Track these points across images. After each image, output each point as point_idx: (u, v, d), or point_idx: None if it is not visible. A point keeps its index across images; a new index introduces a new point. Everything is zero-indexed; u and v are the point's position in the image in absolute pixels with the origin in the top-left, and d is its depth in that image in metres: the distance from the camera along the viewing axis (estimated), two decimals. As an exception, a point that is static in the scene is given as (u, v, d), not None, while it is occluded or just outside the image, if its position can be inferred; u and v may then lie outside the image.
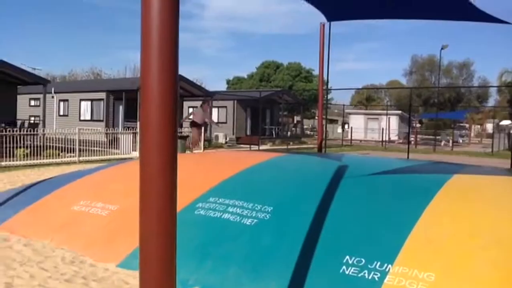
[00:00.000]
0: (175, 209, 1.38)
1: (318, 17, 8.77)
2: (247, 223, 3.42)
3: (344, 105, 34.85)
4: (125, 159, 11.08)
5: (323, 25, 9.16)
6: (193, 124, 12.32)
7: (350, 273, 2.71)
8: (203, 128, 13.20)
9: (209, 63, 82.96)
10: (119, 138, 13.40)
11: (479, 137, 49.68)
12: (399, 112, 39.05)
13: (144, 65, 1.37)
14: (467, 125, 52.89)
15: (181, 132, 13.99)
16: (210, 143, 18.42)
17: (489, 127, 45.36)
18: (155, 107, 1.34)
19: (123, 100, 17.82)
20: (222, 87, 53.64)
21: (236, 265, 3.00)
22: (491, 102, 59.77)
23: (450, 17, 8.53)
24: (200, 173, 4.77)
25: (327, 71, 9.72)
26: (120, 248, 3.37)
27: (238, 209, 3.61)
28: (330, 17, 8.91)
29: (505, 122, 46.06)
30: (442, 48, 28.62)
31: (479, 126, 53.27)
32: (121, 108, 18.65)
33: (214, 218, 3.56)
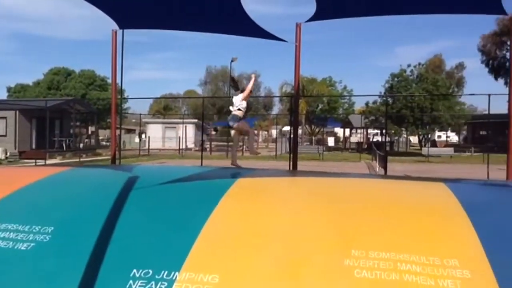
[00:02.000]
0: None
1: (111, 24, 8.49)
2: (22, 248, 3.05)
3: (141, 114, 34.46)
4: None
5: (115, 32, 8.90)
6: None
7: (137, 286, 2.65)
8: None
9: (-15, 68, 72.69)
10: None
11: (266, 142, 54.83)
12: (195, 120, 40.44)
13: None
14: (256, 132, 57.69)
15: None
16: (-15, 159, 16.09)
17: (274, 133, 50.58)
18: None
19: None
20: (2, 95, 47.52)
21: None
22: (275, 110, 66.72)
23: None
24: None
25: (121, 79, 9.44)
26: None
27: (11, 233, 3.20)
28: (122, 25, 8.71)
29: (286, 128, 51.81)
30: (232, 61, 30.70)
31: (266, 132, 58.83)
32: None
33: (-19, 247, 3.08)
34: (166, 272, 2.71)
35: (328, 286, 2.49)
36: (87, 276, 2.76)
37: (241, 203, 3.60)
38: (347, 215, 3.27)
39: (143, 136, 34.55)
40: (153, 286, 2.63)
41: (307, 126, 47.63)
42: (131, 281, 2.67)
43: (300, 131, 44.81)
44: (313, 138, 48.80)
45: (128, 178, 4.42)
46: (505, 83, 36.61)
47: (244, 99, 6.89)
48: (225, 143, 33.80)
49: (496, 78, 41.80)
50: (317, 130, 49.42)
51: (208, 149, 33.30)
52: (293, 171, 8.33)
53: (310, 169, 16.33)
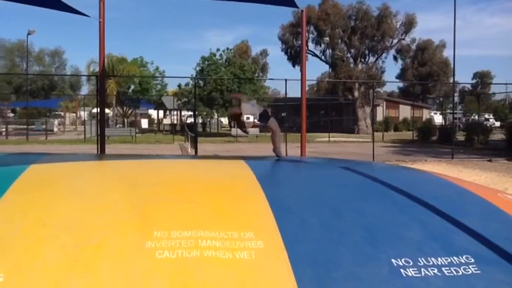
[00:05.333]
0: None
1: None
2: None
3: None
4: None
5: None
6: None
7: None
8: None
9: None
10: None
11: (74, 124, 51.16)
12: (-14, 100, 35.43)
13: None
14: (62, 113, 53.39)
15: None
16: None
17: (83, 114, 47.39)
18: None
19: None
20: None
21: None
22: (83, 90, 62.48)
23: None
24: None
25: None
26: None
27: None
28: None
29: (96, 110, 48.98)
30: (28, 34, 27.63)
31: (74, 114, 54.80)
32: None
33: None
34: None
35: (127, 269, 2.42)
36: None
37: (31, 193, 3.25)
38: (150, 198, 3.23)
39: None
40: None
41: (118, 107, 45.90)
42: None
43: (111, 113, 42.94)
44: (126, 120, 47.35)
45: None
46: (300, 70, 40.94)
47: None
48: (25, 126, 30.45)
49: (293, 66, 46.40)
50: (129, 111, 48.01)
51: (4, 133, 29.60)
52: (98, 154, 7.92)
53: (120, 152, 15.81)
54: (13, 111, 51.19)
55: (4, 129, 30.54)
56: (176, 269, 2.46)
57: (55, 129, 38.44)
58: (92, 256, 2.50)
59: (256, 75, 45.86)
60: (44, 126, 33.11)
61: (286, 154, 15.13)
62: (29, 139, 26.26)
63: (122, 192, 3.35)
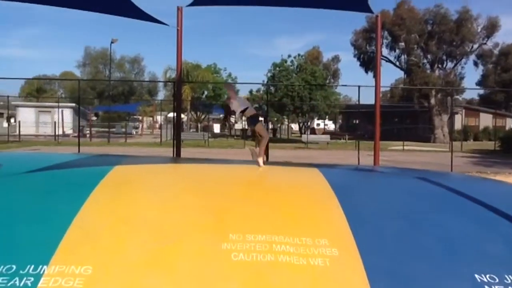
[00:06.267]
0: None
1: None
2: None
3: (8, 96, 31.29)
4: None
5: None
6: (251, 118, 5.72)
7: (-1, 284, 2.42)
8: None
9: None
10: None
11: (151, 128, 53.48)
12: (73, 104, 37.88)
13: None
14: (140, 117, 55.90)
15: None
16: None
17: (159, 119, 49.39)
18: None
19: None
20: None
21: None
22: (160, 95, 65.15)
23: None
24: None
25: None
26: None
27: None
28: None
29: (172, 115, 50.91)
30: (112, 42, 29.29)
31: (150, 118, 57.29)
32: None
33: None
34: (33, 267, 2.51)
35: (204, 270, 2.50)
36: None
37: (116, 191, 3.46)
38: (225, 200, 3.32)
39: (12, 120, 31.55)
40: (17, 282, 2.43)
41: (192, 112, 47.37)
42: (-9, 279, 2.43)
43: (185, 118, 44.42)
44: (199, 124, 48.76)
45: (-10, 166, 4.01)
46: (374, 76, 40.05)
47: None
48: (107, 129, 32.30)
49: (366, 72, 45.38)
50: (202, 116, 49.41)
51: (88, 135, 31.54)
52: (175, 158, 8.24)
53: (194, 156, 16.31)
54: (96, 114, 54.46)
55: (88, 132, 32.59)
56: (251, 271, 2.51)
57: (134, 132, 40.45)
58: (170, 253, 2.62)
59: (328, 81, 45.45)
60: (123, 129, 34.96)
61: (358, 163, 14.82)
62: (110, 141, 27.85)
63: (198, 193, 3.46)
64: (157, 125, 48.82)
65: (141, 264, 2.56)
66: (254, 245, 2.70)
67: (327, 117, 50.47)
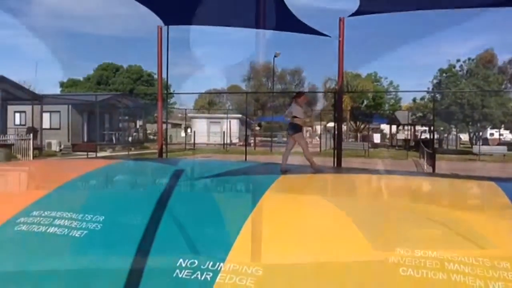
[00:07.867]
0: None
1: (156, 20, 8.70)
2: (77, 235, 3.20)
3: (186, 109, 34.99)
4: None
5: (161, 28, 9.10)
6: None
7: (184, 276, 2.72)
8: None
9: (39, 64, 76.00)
10: None
11: (310, 138, 54.43)
12: (239, 115, 40.67)
13: None
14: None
15: (5, 140, 12.55)
16: (41, 152, 16.86)
17: (318, 128, 50.00)
18: None
19: None
20: (55, 90, 49.42)
21: (63, 280, 2.79)
22: (319, 106, 65.95)
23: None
24: (24, 184, 4.34)
25: (166, 74, 9.66)
26: None
27: (66, 221, 3.36)
28: (167, 21, 8.89)
29: (331, 124, 51.11)
30: (275, 56, 30.64)
31: (310, 128, 58.34)
32: None
33: (38, 233, 3.26)
34: (211, 263, 2.76)
35: (371, 281, 2.47)
36: (136, 264, 2.86)
37: (282, 199, 3.62)
38: (391, 212, 3.22)
39: (188, 130, 35.16)
40: (199, 275, 2.69)
41: (352, 122, 46.92)
42: (177, 271, 2.75)
43: (344, 128, 44.22)
44: (358, 134, 48.05)
45: (175, 171, 4.54)
46: None
47: (299, 104, 6.22)
48: (269, 138, 33.85)
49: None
50: (362, 126, 48.58)
51: (252, 144, 33.47)
52: (337, 167, 8.26)
53: (355, 166, 16.11)
54: (259, 125, 57.50)
55: (252, 141, 34.60)
56: (421, 288, 2.40)
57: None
58: (336, 261, 2.64)
59: (504, 86, 40.83)
60: (285, 139, 36.29)
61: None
62: (272, 150, 29.13)
63: (363, 203, 3.43)
64: (316, 135, 49.43)
65: (307, 270, 2.63)
66: (424, 261, 2.57)
67: (502, 126, 45.32)
